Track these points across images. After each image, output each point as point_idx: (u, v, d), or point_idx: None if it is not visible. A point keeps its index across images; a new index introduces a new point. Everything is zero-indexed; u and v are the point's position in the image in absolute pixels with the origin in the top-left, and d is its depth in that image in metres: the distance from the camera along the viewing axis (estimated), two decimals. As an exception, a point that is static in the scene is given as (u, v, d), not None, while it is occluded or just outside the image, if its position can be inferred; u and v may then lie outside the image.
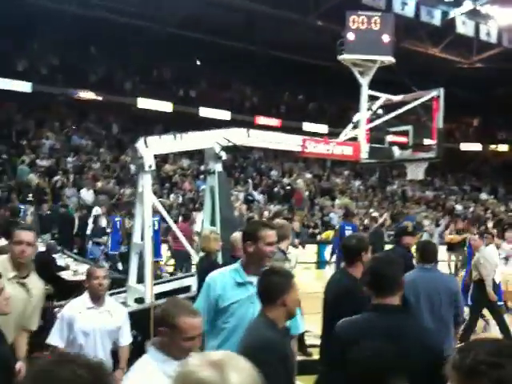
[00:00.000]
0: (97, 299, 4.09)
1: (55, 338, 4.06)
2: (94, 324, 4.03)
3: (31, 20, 20.17)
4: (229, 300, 3.29)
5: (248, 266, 3.35)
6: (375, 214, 14.95)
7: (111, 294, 6.25)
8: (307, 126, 26.33)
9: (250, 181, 21.70)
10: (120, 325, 4.21)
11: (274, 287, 2.82)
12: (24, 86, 21.61)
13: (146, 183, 7.17)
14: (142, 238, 7.25)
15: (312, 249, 16.96)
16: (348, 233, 11.29)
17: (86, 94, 23.17)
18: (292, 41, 23.58)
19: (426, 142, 9.81)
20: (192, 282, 7.30)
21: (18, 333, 3.81)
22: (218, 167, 7.67)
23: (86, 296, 4.15)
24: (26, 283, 3.80)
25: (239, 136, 8.06)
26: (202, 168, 19.91)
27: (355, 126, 9.78)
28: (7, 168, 17.97)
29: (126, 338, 4.28)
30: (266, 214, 17.24)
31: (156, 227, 11.80)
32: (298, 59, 24.90)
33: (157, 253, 11.30)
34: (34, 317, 3.98)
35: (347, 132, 9.81)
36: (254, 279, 3.23)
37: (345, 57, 9.75)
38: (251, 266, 3.33)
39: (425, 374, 2.42)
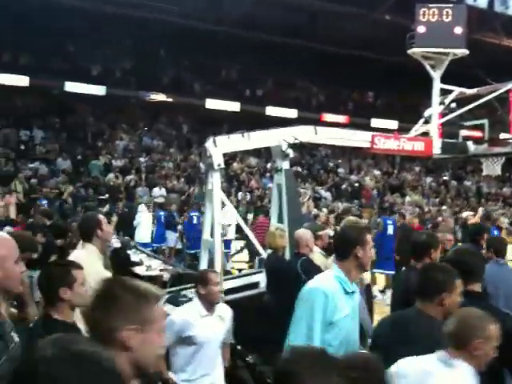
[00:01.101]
0: (211, 306, 3.92)
1: None
2: (209, 333, 3.84)
3: (104, 26, 21.02)
4: (341, 312, 2.90)
5: (350, 272, 3.00)
6: (468, 213, 14.32)
7: (182, 290, 6.43)
8: (376, 122, 25.87)
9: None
10: (229, 325, 4.11)
11: (435, 284, 2.70)
12: (99, 90, 22.62)
13: (215, 181, 7.30)
14: (212, 235, 7.39)
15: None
16: (390, 228, 11.43)
17: (158, 96, 23.94)
18: (358, 36, 23.19)
19: (503, 136, 9.39)
20: (260, 278, 7.37)
21: None
22: (285, 165, 7.69)
23: (197, 303, 3.94)
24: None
25: (306, 133, 8.04)
26: (269, 166, 20.05)
27: (426, 121, 9.51)
28: (84, 169, 18.84)
29: (228, 337, 4.22)
30: (324, 210, 16.93)
31: (195, 222, 13.19)
32: (364, 55, 24.47)
33: (193, 245, 12.18)
34: None
35: (418, 127, 9.56)
36: (355, 288, 3.04)
37: (415, 50, 9.50)
38: (353, 273, 3.02)
39: (502, 355, 2.47)
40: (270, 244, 6.21)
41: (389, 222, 11.81)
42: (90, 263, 3.86)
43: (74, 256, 4.09)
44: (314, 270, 5.20)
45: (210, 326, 3.85)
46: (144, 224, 13.65)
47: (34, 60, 22.45)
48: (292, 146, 7.67)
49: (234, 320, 4.31)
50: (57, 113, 22.18)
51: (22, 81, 21.50)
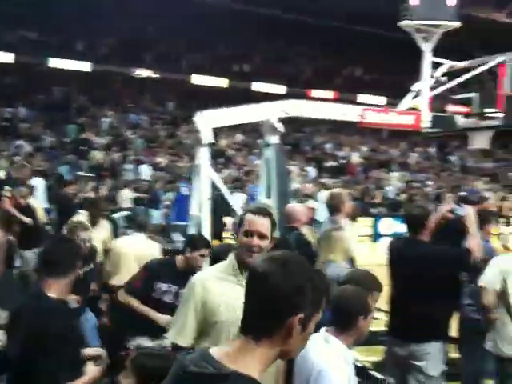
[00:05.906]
0: None
1: None
2: None
3: None
4: None
5: None
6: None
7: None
8: (363, 98, 25.77)
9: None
10: None
11: None
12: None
13: (202, 157, 7.20)
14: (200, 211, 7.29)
15: (367, 222, 16.64)
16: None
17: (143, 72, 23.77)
18: (346, 10, 22.87)
19: (492, 110, 9.35)
20: None
21: None
22: (275, 139, 7.59)
23: None
24: None
25: (296, 108, 7.93)
26: (258, 142, 19.93)
27: (415, 95, 9.42)
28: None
29: None
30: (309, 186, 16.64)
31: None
32: (354, 29, 24.23)
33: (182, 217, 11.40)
34: None
35: (406, 101, 9.46)
36: None
37: (408, 23, 9.29)
38: None
39: None
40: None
41: None
42: None
43: None
44: (305, 244, 5.18)
45: None
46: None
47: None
48: (282, 120, 7.56)
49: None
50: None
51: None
